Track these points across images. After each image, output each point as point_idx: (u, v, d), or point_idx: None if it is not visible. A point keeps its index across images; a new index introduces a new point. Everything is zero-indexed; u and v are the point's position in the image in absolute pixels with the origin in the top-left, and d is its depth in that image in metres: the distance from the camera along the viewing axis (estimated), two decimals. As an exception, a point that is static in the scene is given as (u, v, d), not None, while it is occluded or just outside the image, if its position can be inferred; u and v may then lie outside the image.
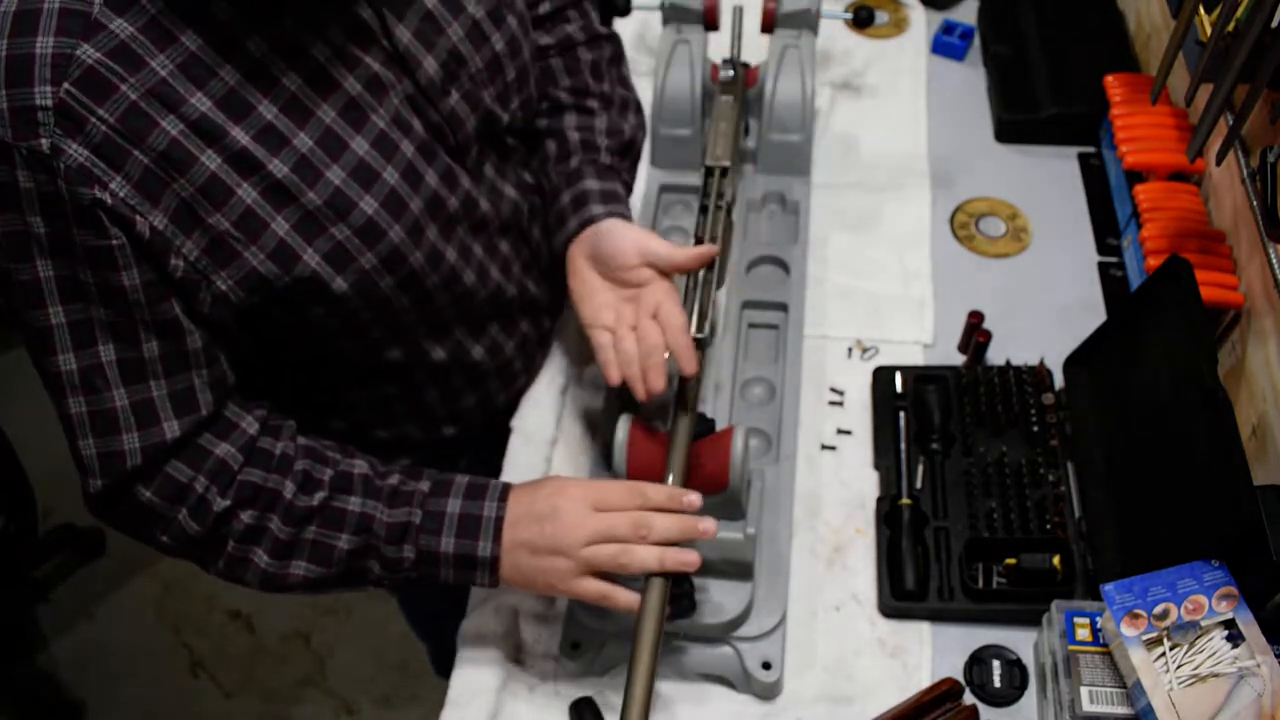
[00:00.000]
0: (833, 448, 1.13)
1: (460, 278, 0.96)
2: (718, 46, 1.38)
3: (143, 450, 0.82)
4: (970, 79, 1.50)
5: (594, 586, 0.88)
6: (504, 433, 1.14)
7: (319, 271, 0.84)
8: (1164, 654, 0.83)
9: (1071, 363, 1.13)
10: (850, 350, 1.21)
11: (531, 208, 1.09)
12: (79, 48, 0.72)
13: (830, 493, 1.10)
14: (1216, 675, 0.82)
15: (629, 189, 1.11)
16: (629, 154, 1.12)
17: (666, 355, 0.95)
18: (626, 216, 1.04)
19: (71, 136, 0.72)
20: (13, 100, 0.71)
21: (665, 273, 1.00)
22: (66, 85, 0.71)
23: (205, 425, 0.85)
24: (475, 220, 0.97)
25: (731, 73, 1.31)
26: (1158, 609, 0.85)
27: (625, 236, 1.00)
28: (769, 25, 1.34)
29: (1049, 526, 1.02)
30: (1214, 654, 0.83)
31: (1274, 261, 0.98)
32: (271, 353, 0.95)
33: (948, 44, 1.53)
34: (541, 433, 1.13)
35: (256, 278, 0.82)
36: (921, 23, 1.59)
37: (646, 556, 0.86)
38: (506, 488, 0.91)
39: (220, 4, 0.76)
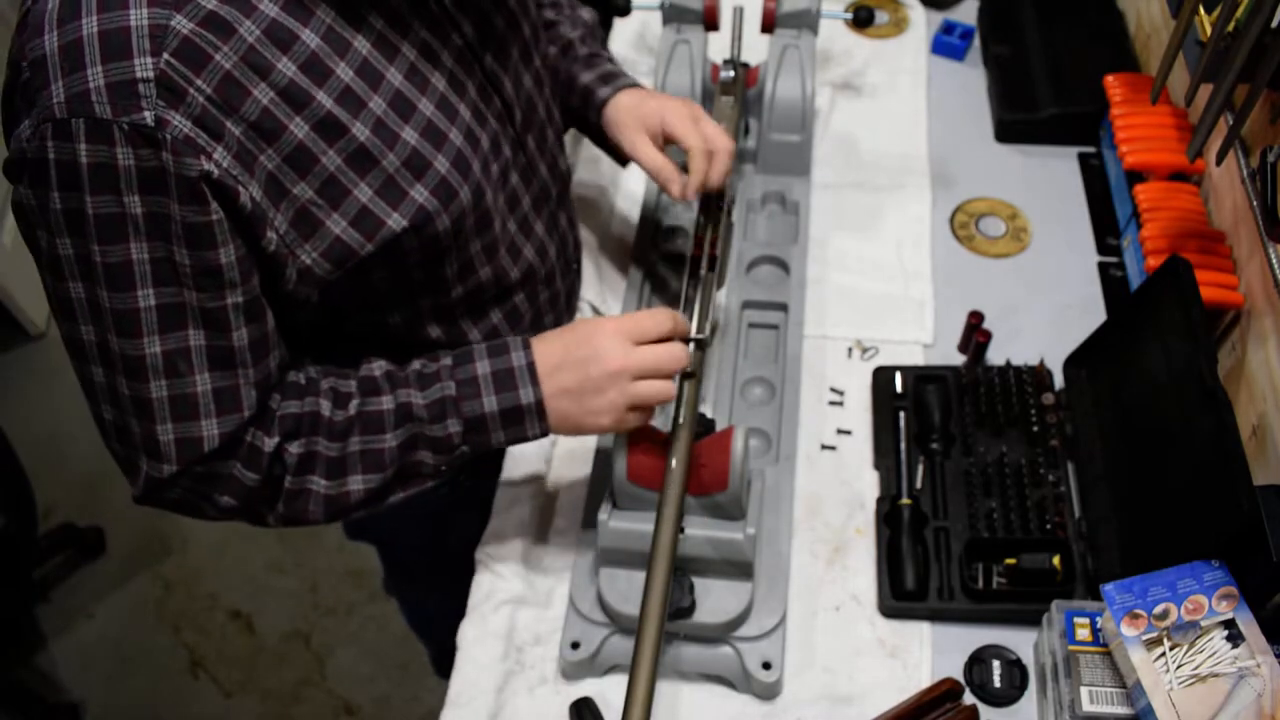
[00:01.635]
0: (833, 448, 1.13)
1: (499, 247, 0.98)
2: (718, 46, 1.38)
3: (221, 435, 0.82)
4: (970, 79, 1.50)
5: (640, 416, 0.92)
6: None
7: (401, 235, 0.85)
8: (1164, 654, 0.83)
9: (1071, 363, 1.13)
10: (850, 350, 1.21)
11: (559, 193, 1.10)
12: (173, 18, 0.71)
13: (830, 493, 1.10)
14: (1216, 675, 0.82)
15: (611, 60, 1.21)
16: (596, 36, 1.21)
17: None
18: (629, 84, 1.14)
19: (174, 108, 0.71)
20: (110, 75, 0.70)
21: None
22: (166, 56, 0.70)
23: (269, 393, 0.86)
24: (508, 192, 0.99)
25: (731, 73, 1.31)
26: (1158, 609, 0.85)
27: (640, 109, 1.11)
28: (769, 25, 1.34)
29: (1049, 526, 1.02)
30: (1214, 654, 0.83)
31: (1274, 261, 0.98)
32: (319, 330, 0.95)
33: (948, 44, 1.53)
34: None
35: (341, 247, 0.82)
36: (921, 23, 1.59)
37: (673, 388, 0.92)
38: (525, 339, 0.92)
39: None
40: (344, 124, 0.80)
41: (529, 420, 0.91)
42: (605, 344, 0.90)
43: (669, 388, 0.91)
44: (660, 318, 0.92)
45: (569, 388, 0.90)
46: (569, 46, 1.18)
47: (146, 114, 0.70)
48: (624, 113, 1.12)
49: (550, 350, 0.91)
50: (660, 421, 1.12)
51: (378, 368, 0.92)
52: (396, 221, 0.84)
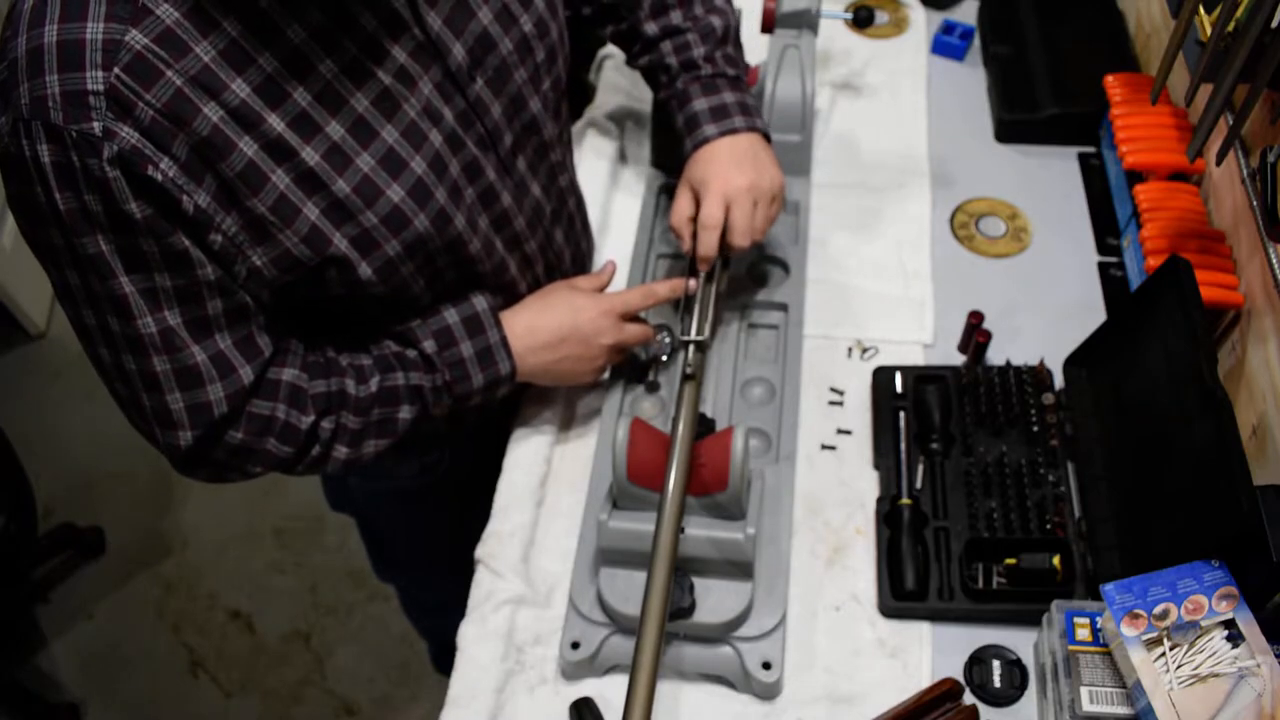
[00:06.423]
0: (833, 448, 1.13)
1: (477, 268, 1.00)
2: (718, 46, 1.38)
3: (227, 398, 0.87)
4: (970, 79, 1.50)
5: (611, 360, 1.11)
6: (505, 430, 1.14)
7: (348, 255, 0.87)
8: (1164, 654, 0.83)
9: (1071, 363, 1.13)
10: (850, 350, 1.21)
11: (554, 211, 1.10)
12: (128, 33, 0.73)
13: (830, 493, 1.10)
14: (1216, 675, 0.82)
15: (741, 66, 1.19)
16: (727, 42, 1.18)
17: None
18: (730, 130, 1.13)
19: (122, 120, 0.73)
20: (64, 84, 0.72)
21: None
22: (117, 70, 0.72)
23: (269, 362, 0.90)
24: (496, 215, 0.99)
25: (732, 73, 1.30)
26: (1158, 609, 0.85)
27: (705, 170, 1.12)
28: (769, 25, 1.34)
29: (1049, 526, 1.02)
30: (1214, 654, 0.83)
31: (1274, 261, 0.98)
32: (287, 319, 0.96)
33: (948, 44, 1.53)
34: (542, 431, 1.13)
35: (290, 258, 0.85)
36: (921, 23, 1.59)
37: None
38: (493, 311, 1.02)
39: None
40: (293, 148, 0.81)
41: (503, 383, 1.03)
42: (601, 324, 1.06)
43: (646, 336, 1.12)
44: (640, 297, 1.09)
45: (545, 345, 1.04)
46: (692, 65, 1.15)
47: (95, 124, 0.72)
48: (695, 164, 1.13)
49: (520, 314, 1.04)
50: (660, 421, 1.12)
51: (389, 346, 0.98)
52: (340, 241, 0.86)
